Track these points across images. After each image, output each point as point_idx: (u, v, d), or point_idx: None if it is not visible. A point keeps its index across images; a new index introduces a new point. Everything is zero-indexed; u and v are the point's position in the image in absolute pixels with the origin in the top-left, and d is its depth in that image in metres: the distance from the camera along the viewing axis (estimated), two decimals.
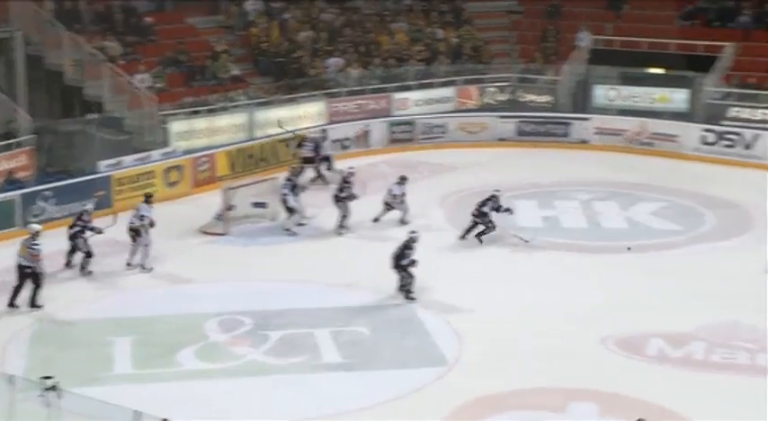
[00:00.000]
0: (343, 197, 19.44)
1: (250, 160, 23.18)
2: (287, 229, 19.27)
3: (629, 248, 18.41)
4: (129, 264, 17.54)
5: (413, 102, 26.81)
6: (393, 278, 16.50)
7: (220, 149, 22.88)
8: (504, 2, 31.40)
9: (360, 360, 14.16)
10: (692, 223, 19.95)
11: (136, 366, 13.99)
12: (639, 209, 20.95)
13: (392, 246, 16.49)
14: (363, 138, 25.36)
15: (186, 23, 27.14)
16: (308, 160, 22.59)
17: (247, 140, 23.76)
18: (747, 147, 24.17)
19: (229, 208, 19.48)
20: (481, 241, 18.61)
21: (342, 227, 19.34)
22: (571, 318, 15.31)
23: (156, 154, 21.90)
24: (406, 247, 16.18)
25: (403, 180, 19.97)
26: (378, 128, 25.69)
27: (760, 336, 14.47)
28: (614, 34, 28.36)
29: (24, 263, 15.56)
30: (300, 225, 19.46)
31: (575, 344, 14.49)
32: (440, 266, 17.39)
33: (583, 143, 25.74)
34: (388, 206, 19.75)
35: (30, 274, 15.56)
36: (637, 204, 21.20)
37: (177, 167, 21.79)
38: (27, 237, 15.90)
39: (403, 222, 19.48)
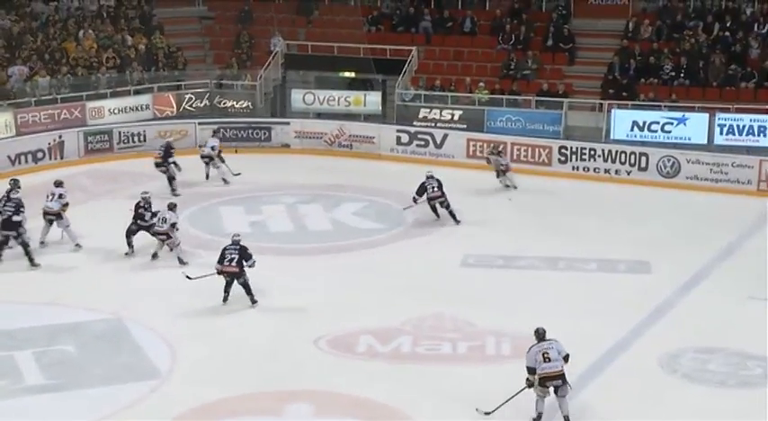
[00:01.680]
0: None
1: None
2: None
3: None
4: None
5: (108, 110, 25.98)
6: (98, 291, 16.07)
7: None
8: (194, 7, 31.16)
9: (67, 380, 13.55)
10: (391, 222, 20.64)
11: None
12: (343, 209, 21.45)
13: (89, 260, 16.32)
14: (58, 149, 24.28)
15: None
16: (158, 165, 22.21)
17: None
18: (438, 146, 25.41)
19: None
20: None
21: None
22: (283, 321, 15.47)
23: None
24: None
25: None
26: (72, 138, 24.69)
27: (460, 326, 15.21)
28: (306, 39, 28.93)
29: None
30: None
31: (287, 345, 14.63)
32: (145, 277, 17.14)
33: (285, 147, 26.06)
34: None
35: None
36: (340, 205, 21.70)
37: None
38: None
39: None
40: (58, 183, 18.77)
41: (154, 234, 18.01)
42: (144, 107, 26.65)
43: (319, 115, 27.12)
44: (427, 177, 20.28)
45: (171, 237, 17.87)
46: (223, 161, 23.09)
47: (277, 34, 28.80)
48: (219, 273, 16.07)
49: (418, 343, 14.76)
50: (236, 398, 13.14)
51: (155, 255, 17.99)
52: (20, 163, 23.40)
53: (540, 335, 12.49)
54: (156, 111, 26.81)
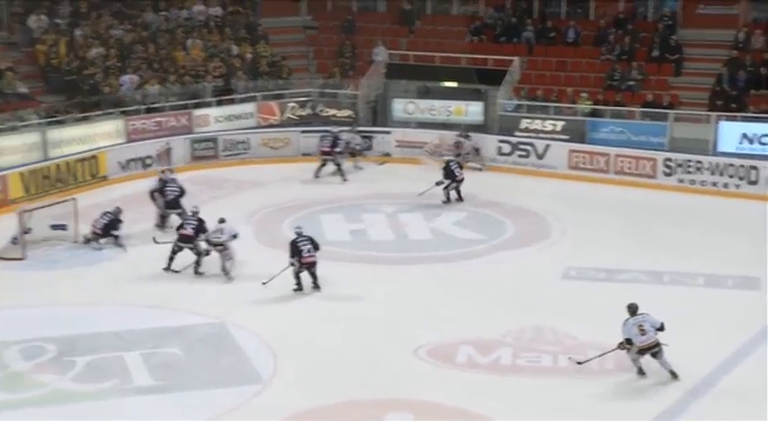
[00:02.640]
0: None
1: (46, 181, 22.29)
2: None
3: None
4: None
5: (213, 118, 26.53)
6: (204, 296, 16.39)
7: (12, 171, 21.86)
8: (299, 17, 31.60)
9: (173, 381, 13.83)
10: (493, 232, 20.56)
11: None
12: (443, 219, 21.44)
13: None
14: (165, 155, 24.86)
15: None
16: (325, 154, 24.15)
17: (42, 161, 22.80)
18: (540, 157, 25.23)
19: (26, 231, 18.65)
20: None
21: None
22: (383, 330, 15.50)
23: None
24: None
25: None
26: (179, 145, 25.28)
27: (561, 339, 15.07)
28: (408, 49, 29.05)
29: None
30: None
31: (387, 354, 14.66)
32: (250, 283, 17.26)
33: (386, 156, 26.19)
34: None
35: None
36: (441, 215, 21.70)
37: None
38: None
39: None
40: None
41: (212, 245, 17.89)
42: (248, 115, 27.11)
43: (420, 125, 27.19)
44: (448, 161, 22.44)
45: (227, 249, 17.80)
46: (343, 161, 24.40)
47: (380, 44, 29.00)
48: (301, 265, 16.59)
49: (518, 355, 14.66)
50: (336, 405, 13.22)
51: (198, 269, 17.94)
52: (129, 169, 24.01)
53: (633, 309, 13.76)
54: (259, 120, 27.25)
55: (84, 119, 24.66)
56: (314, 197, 22.89)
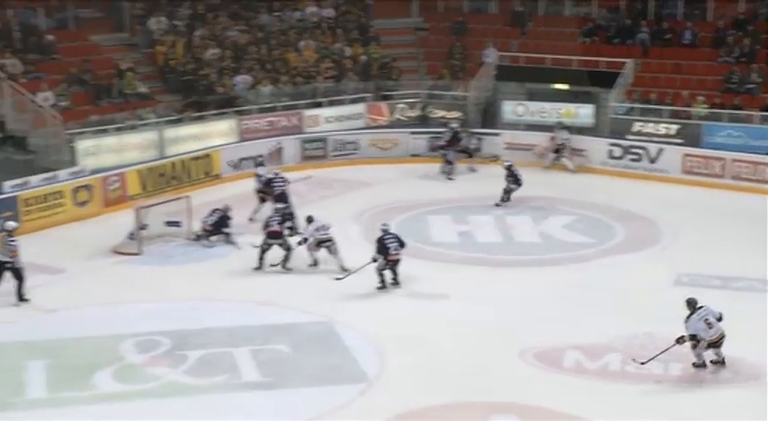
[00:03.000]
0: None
1: (161, 179, 22.89)
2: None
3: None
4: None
5: (324, 118, 26.83)
6: (312, 294, 16.68)
7: (131, 168, 22.51)
8: (409, 19, 31.67)
9: (280, 378, 14.03)
10: (602, 236, 20.30)
11: (50, 390, 13.63)
12: (552, 222, 21.26)
13: (303, 263, 17.31)
14: (276, 155, 25.25)
15: (90, 41, 26.70)
16: (440, 148, 25.07)
17: (158, 159, 23.44)
18: (652, 160, 24.76)
19: (142, 227, 19.19)
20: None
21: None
22: (489, 332, 15.44)
23: (63, 173, 21.41)
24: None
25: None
26: (290, 145, 25.64)
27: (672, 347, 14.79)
28: (519, 51, 28.84)
29: (3, 258, 16.44)
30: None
31: (494, 357, 14.61)
32: (357, 282, 17.38)
33: (494, 158, 26.10)
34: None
35: (9, 269, 16.45)
36: (549, 218, 21.52)
37: (86, 187, 21.35)
38: (4, 234, 16.65)
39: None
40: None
41: (320, 242, 18.11)
42: (358, 116, 27.34)
43: (530, 127, 26.99)
44: (507, 166, 22.27)
45: (335, 243, 18.07)
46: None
47: (490, 45, 28.87)
48: (387, 262, 16.87)
49: (628, 361, 14.41)
50: (441, 406, 13.22)
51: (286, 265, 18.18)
52: (241, 168, 24.46)
53: (693, 304, 13.85)
54: (369, 120, 27.45)
55: (199, 118, 25.24)
56: (421, 198, 22.92)
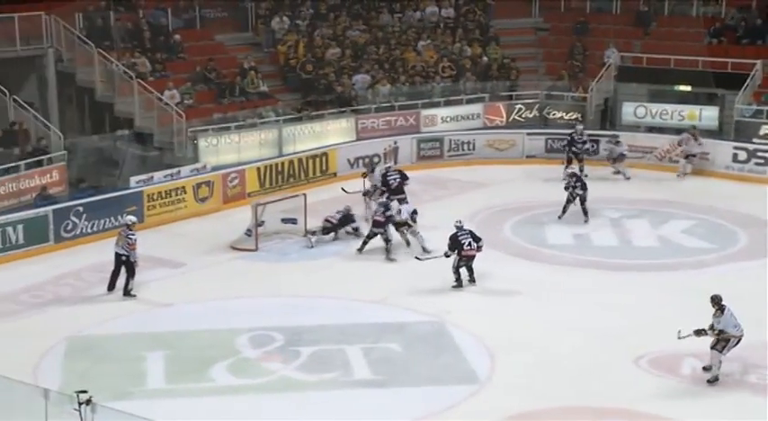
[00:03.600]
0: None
1: (279, 176, 23.27)
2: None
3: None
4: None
5: (440, 118, 26.84)
6: (424, 294, 16.74)
7: (250, 165, 22.95)
8: (530, 19, 31.41)
9: (391, 377, 14.13)
10: (723, 242, 19.81)
11: (168, 381, 14.03)
12: (671, 226, 20.84)
13: (415, 263, 17.52)
14: (392, 154, 25.40)
15: (215, 40, 27.34)
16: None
17: (277, 157, 23.85)
18: None
19: (259, 224, 19.55)
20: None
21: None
22: (604, 337, 15.23)
23: (186, 169, 22.02)
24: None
25: None
26: (406, 144, 25.74)
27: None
28: (642, 51, 28.28)
29: (121, 251, 16.82)
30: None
31: (608, 362, 14.42)
32: (468, 284, 17.41)
33: (612, 161, 25.66)
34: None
35: (124, 262, 16.83)
36: (668, 222, 21.09)
37: (207, 183, 21.88)
38: (124, 227, 17.16)
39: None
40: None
41: (396, 226, 18.88)
42: (474, 116, 27.26)
43: (650, 129, 26.45)
44: (569, 175, 21.36)
45: (411, 226, 18.71)
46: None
47: (612, 46, 28.42)
48: (461, 258, 17.05)
49: (748, 371, 14.07)
50: (552, 410, 13.13)
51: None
52: (357, 166, 24.67)
53: (718, 300, 13.68)
54: (485, 121, 27.34)
55: (318, 117, 25.56)
56: (537, 199, 22.71)
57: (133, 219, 17.43)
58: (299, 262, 18.97)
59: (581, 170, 23.72)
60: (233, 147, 23.61)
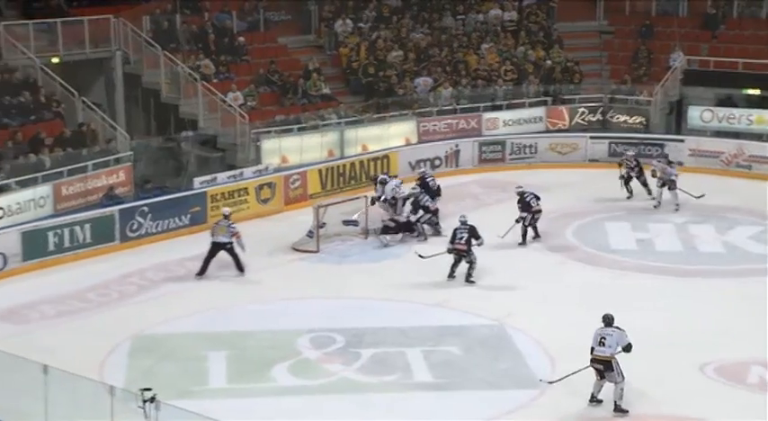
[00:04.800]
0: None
1: (340, 178, 23.36)
2: None
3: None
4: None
5: (502, 122, 26.71)
6: (484, 297, 16.71)
7: (312, 167, 23.06)
8: (594, 22, 31.12)
9: (451, 380, 14.12)
10: None
11: (230, 381, 14.17)
12: (737, 232, 20.52)
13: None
14: (453, 157, 25.34)
15: (278, 43, 27.53)
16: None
17: (338, 159, 23.94)
18: None
19: (321, 226, 19.65)
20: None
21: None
22: (668, 344, 15.02)
23: (248, 171, 22.18)
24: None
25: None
26: (468, 147, 25.65)
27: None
28: (709, 55, 27.84)
29: (223, 239, 17.94)
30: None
31: (672, 369, 14.24)
32: (531, 287, 17.34)
33: (677, 165, 25.30)
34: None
35: (228, 250, 17.94)
36: (734, 228, 20.76)
37: (269, 184, 22.03)
38: (222, 219, 18.21)
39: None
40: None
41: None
42: (537, 119, 27.07)
43: (717, 133, 26.05)
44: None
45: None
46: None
47: (677, 49, 28.05)
48: (450, 251, 17.40)
49: None
50: (612, 416, 13.02)
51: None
52: (419, 169, 24.61)
53: (607, 321, 13.27)
54: (548, 124, 27.14)
55: (379, 119, 25.60)
56: (599, 204, 22.51)
57: (228, 210, 18.57)
58: (359, 264, 19.02)
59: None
60: (295, 149, 23.70)
